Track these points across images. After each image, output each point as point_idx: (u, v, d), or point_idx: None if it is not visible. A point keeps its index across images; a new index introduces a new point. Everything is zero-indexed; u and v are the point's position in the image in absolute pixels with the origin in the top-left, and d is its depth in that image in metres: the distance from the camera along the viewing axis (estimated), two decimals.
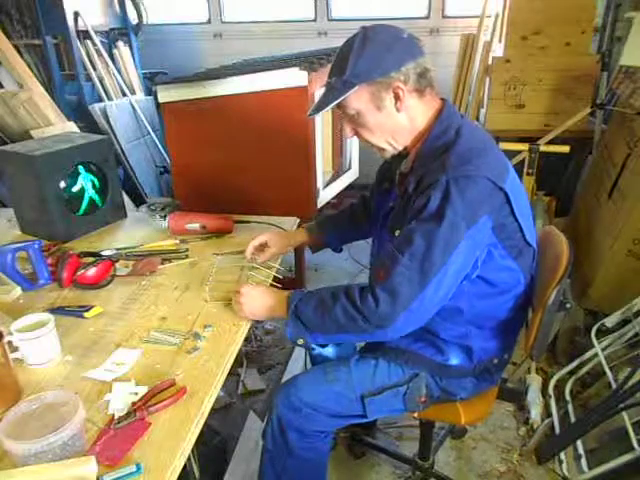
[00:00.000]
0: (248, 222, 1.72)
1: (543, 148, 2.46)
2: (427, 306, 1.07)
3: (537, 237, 1.27)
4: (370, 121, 1.14)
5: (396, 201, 1.23)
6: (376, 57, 1.08)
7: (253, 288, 1.26)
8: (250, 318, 1.23)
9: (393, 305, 1.05)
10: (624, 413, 1.66)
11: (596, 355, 1.93)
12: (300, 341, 1.16)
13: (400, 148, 1.19)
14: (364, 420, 1.31)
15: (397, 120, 1.14)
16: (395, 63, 1.08)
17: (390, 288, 1.05)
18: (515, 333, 1.31)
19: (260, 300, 1.22)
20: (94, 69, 3.47)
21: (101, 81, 3.50)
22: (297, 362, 2.20)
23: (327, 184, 2.33)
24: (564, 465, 1.72)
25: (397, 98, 1.10)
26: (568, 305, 1.26)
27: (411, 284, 1.04)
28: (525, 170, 2.47)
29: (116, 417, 0.91)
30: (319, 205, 2.21)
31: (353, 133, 1.21)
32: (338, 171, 2.54)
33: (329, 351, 1.66)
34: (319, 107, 1.16)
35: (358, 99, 1.11)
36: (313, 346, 1.67)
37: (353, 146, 2.63)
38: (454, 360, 1.24)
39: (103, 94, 3.48)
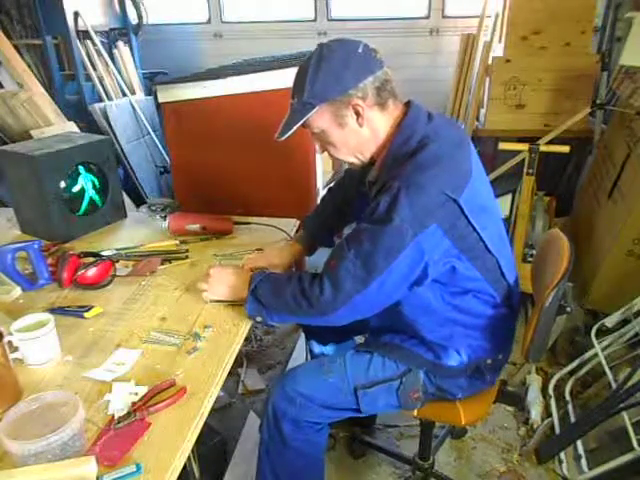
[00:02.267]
0: (248, 223, 1.71)
1: (543, 148, 2.45)
2: (370, 302, 1.12)
3: (540, 239, 1.27)
4: (335, 138, 1.16)
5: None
6: (332, 76, 1.09)
7: (221, 269, 1.29)
8: (215, 299, 1.26)
9: (336, 296, 1.09)
10: (624, 413, 1.66)
11: (596, 355, 1.93)
12: (258, 318, 1.19)
13: (367, 160, 1.21)
14: (358, 415, 1.31)
15: (360, 135, 1.15)
16: (352, 80, 1.09)
17: (335, 280, 1.09)
18: (507, 333, 1.31)
19: (226, 281, 1.26)
20: (94, 69, 3.47)
21: (101, 81, 3.50)
22: (297, 362, 2.20)
23: (327, 184, 2.33)
24: (564, 465, 1.72)
25: (357, 114, 1.12)
26: (568, 309, 1.26)
27: (355, 280, 1.08)
28: (525, 170, 2.47)
29: (116, 417, 0.91)
30: None
31: (322, 150, 1.23)
32: (338, 171, 2.54)
33: (329, 350, 1.67)
34: (284, 130, 1.17)
35: (320, 119, 1.13)
36: (314, 345, 1.68)
37: None
38: (445, 359, 1.24)
39: (103, 94, 3.48)
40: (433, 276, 1.12)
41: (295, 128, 1.15)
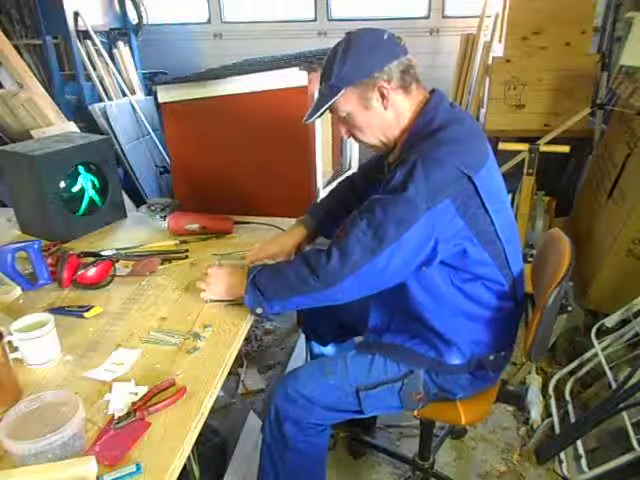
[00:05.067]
0: (248, 223, 1.71)
1: (543, 148, 2.45)
2: (378, 274, 1.10)
3: (540, 239, 1.27)
4: (360, 121, 1.20)
5: None
6: (359, 60, 1.14)
7: (219, 269, 1.29)
8: (215, 299, 1.26)
9: (343, 264, 1.08)
10: (624, 413, 1.66)
11: (596, 355, 1.93)
12: (259, 310, 1.18)
13: (391, 143, 1.23)
14: (361, 416, 1.31)
15: (385, 117, 1.19)
16: (378, 63, 1.14)
17: (344, 248, 1.09)
18: (509, 329, 1.31)
19: (224, 280, 1.25)
20: (94, 69, 3.47)
21: (101, 81, 3.50)
22: (297, 362, 2.20)
23: (327, 184, 2.33)
24: (564, 465, 1.72)
25: (383, 97, 1.16)
26: (569, 308, 1.26)
27: (364, 249, 1.07)
28: (525, 170, 2.47)
29: (116, 417, 0.91)
30: None
31: (348, 134, 1.26)
32: (338, 171, 2.54)
33: (330, 350, 1.67)
34: (312, 113, 1.22)
35: (347, 101, 1.17)
36: (314, 346, 1.68)
37: (353, 146, 2.63)
38: (447, 356, 1.24)
39: (103, 94, 3.48)
40: (442, 256, 1.11)
41: (321, 112, 1.20)
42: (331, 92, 1.16)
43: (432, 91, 1.22)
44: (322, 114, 1.21)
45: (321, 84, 1.20)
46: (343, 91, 1.15)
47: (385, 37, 1.15)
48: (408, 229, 1.05)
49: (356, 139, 1.26)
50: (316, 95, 1.24)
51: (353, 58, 1.14)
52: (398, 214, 1.06)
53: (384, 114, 1.18)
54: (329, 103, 1.17)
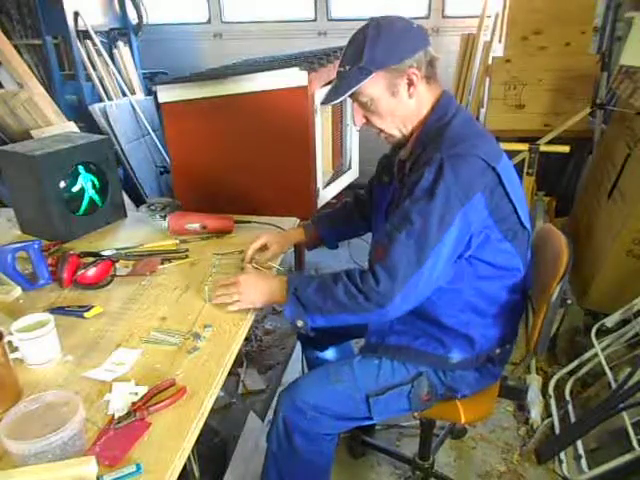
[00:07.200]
0: (248, 222, 1.71)
1: (543, 148, 2.45)
2: (425, 283, 1.09)
3: (535, 235, 1.28)
4: (383, 107, 1.17)
5: (395, 194, 1.25)
6: (391, 45, 1.12)
7: (250, 276, 1.28)
8: (250, 307, 1.24)
9: (392, 283, 1.07)
10: (624, 413, 1.66)
11: (596, 355, 1.93)
12: (299, 323, 1.16)
13: (408, 134, 1.22)
14: (369, 422, 1.30)
15: (408, 106, 1.18)
16: (409, 50, 1.13)
17: (389, 266, 1.08)
18: (515, 321, 1.32)
19: (259, 287, 1.24)
20: (94, 69, 3.47)
21: (101, 81, 3.50)
22: (297, 362, 2.20)
23: (327, 184, 2.33)
24: (564, 465, 1.72)
25: (411, 84, 1.15)
26: (569, 301, 1.28)
27: (409, 261, 1.07)
28: (525, 170, 2.47)
29: (116, 417, 0.91)
30: (319, 205, 2.21)
31: (364, 120, 1.23)
32: (338, 171, 2.54)
33: (329, 354, 1.65)
34: (332, 97, 1.18)
35: (374, 86, 1.14)
36: (314, 352, 1.66)
37: (353, 146, 2.63)
38: (456, 351, 1.23)
39: (103, 94, 3.48)
40: (474, 247, 1.12)
41: (348, 94, 1.15)
42: (360, 75, 1.12)
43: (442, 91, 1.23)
44: (344, 97, 1.17)
45: (344, 66, 1.16)
46: (373, 75, 1.12)
47: (414, 25, 1.15)
48: (447, 230, 1.06)
49: (373, 126, 1.23)
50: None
51: (385, 42, 1.11)
52: (436, 218, 1.05)
53: (408, 102, 1.17)
54: (358, 85, 1.13)
